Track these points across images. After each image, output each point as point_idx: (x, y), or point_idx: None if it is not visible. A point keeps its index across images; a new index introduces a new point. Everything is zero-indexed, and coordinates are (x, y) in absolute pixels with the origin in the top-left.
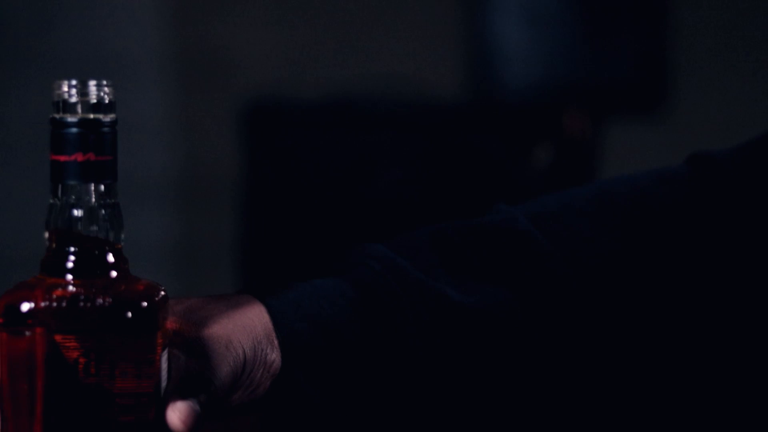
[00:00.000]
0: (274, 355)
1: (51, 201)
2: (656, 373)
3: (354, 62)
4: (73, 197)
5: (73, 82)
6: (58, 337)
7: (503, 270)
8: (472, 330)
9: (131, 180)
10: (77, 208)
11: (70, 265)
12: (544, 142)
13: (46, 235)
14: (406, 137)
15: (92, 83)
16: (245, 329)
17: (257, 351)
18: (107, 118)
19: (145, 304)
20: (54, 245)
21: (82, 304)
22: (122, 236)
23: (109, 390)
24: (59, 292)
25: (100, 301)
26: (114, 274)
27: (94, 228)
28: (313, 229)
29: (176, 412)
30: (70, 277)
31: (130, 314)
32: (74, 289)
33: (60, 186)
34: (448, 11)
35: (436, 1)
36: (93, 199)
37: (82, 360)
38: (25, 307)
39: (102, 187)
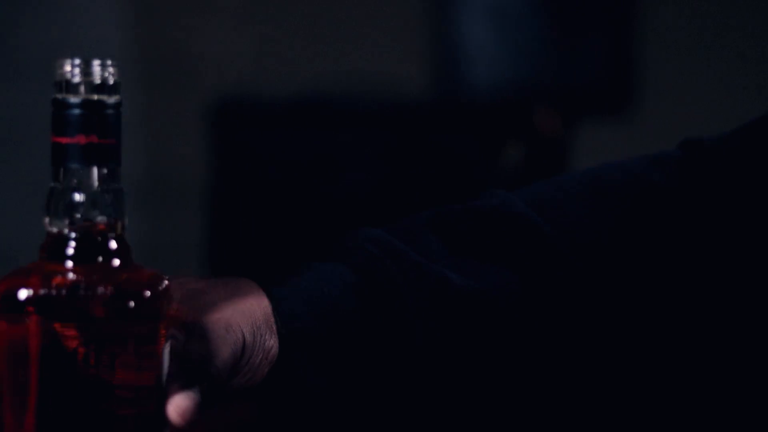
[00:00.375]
0: (273, 341)
1: (52, 185)
2: (657, 356)
3: (321, 60)
4: (75, 181)
5: (77, 62)
6: (56, 326)
7: (505, 251)
8: (474, 313)
9: None
10: (79, 193)
11: (70, 251)
12: (515, 141)
13: (46, 219)
14: (374, 135)
15: (96, 63)
16: (245, 314)
17: (256, 336)
18: (111, 99)
19: (148, 293)
20: (54, 230)
21: (82, 292)
22: (125, 222)
23: (109, 381)
24: (59, 279)
25: (101, 289)
26: (116, 261)
27: (96, 213)
28: (280, 228)
29: (176, 406)
30: (70, 263)
31: (132, 304)
32: (74, 276)
33: (61, 169)
34: (417, 10)
35: (404, 0)
36: (95, 184)
37: (81, 350)
38: (23, 294)
39: (105, 171)
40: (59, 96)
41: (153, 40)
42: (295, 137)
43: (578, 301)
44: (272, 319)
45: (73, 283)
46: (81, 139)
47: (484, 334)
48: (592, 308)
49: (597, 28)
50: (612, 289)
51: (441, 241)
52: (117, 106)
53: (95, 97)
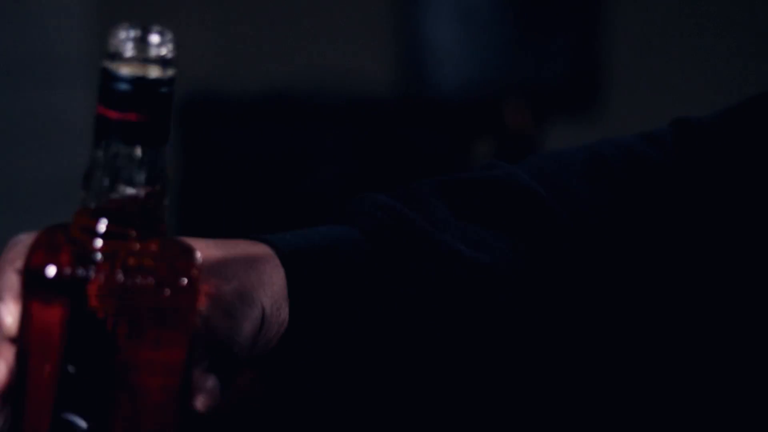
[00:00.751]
0: (286, 311)
1: (92, 155)
2: (661, 332)
3: (288, 57)
4: (116, 157)
5: (131, 33)
6: (84, 308)
7: (512, 222)
8: (483, 288)
9: (59, 180)
10: (120, 169)
11: (104, 227)
12: (485, 136)
13: (83, 192)
14: (343, 132)
15: (153, 35)
16: (265, 286)
17: (274, 308)
18: (165, 75)
19: (185, 281)
20: (89, 203)
21: (116, 275)
22: (166, 202)
23: (140, 356)
24: (89, 256)
25: (134, 265)
26: (151, 237)
27: (135, 190)
28: (248, 225)
29: (201, 394)
30: (101, 240)
31: (169, 279)
32: (106, 255)
33: (103, 143)
34: (385, 7)
35: None
36: (138, 162)
37: (109, 334)
38: (51, 272)
39: (150, 150)
40: (110, 66)
41: None
42: (262, 134)
43: (582, 274)
44: (286, 289)
45: (104, 262)
46: (128, 116)
47: (490, 308)
48: (596, 281)
49: (562, 28)
50: (613, 262)
51: (451, 208)
52: (171, 82)
53: (149, 72)
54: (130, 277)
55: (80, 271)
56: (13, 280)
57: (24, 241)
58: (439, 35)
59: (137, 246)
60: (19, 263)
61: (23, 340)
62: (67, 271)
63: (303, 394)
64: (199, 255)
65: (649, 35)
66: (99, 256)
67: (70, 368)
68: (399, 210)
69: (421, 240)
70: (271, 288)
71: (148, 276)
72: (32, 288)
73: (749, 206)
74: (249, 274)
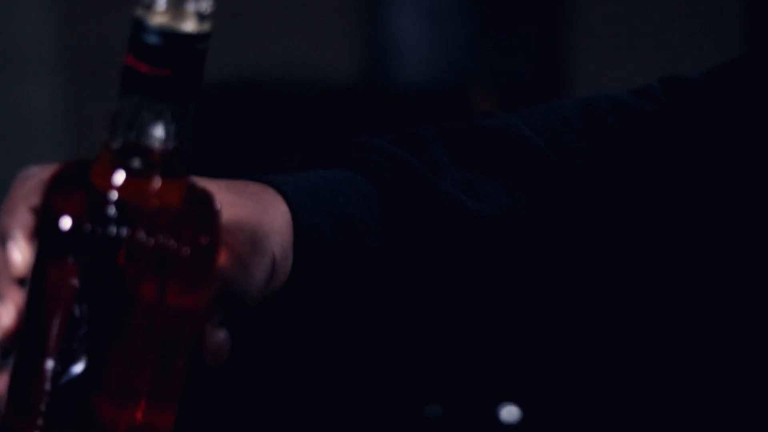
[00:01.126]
0: (291, 260)
1: (119, 103)
2: (658, 283)
3: (254, 47)
4: (142, 110)
5: None
6: (100, 262)
7: (512, 171)
8: (485, 238)
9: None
10: (144, 122)
11: (122, 177)
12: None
13: (107, 134)
14: (308, 121)
15: None
16: (275, 233)
17: (282, 258)
18: (201, 29)
19: (207, 239)
20: (113, 148)
21: (136, 233)
22: (190, 154)
23: (150, 320)
24: (108, 209)
25: (155, 231)
26: (173, 191)
27: (159, 143)
28: None
29: (213, 348)
30: (121, 192)
31: (188, 250)
32: (126, 209)
33: (130, 94)
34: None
35: None
36: (165, 117)
37: (124, 292)
38: (67, 224)
39: (176, 106)
40: (142, 16)
41: (82, 35)
42: (228, 123)
43: (580, 225)
44: (292, 236)
45: (125, 214)
46: (158, 71)
47: (489, 259)
48: (594, 233)
49: (527, 18)
50: (610, 213)
51: (453, 156)
52: (206, 37)
53: (184, 26)
54: (150, 235)
55: (98, 228)
56: (26, 219)
57: (37, 175)
58: (404, 27)
59: (158, 199)
60: (33, 200)
61: (34, 284)
62: (87, 227)
63: (301, 337)
64: (219, 206)
65: (611, 26)
66: (119, 210)
67: (78, 312)
68: (401, 156)
69: (423, 188)
70: (281, 236)
71: (168, 234)
72: (47, 237)
73: (743, 157)
74: (261, 222)
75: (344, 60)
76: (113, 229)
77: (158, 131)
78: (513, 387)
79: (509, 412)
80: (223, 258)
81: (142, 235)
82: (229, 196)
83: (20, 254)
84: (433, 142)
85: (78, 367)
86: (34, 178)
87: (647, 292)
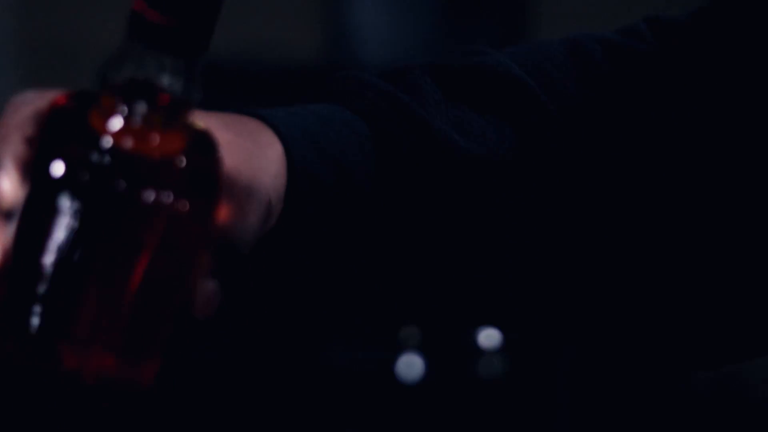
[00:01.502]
0: (282, 203)
1: (121, 49)
2: (653, 217)
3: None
4: (148, 58)
5: None
6: (94, 210)
7: (505, 110)
8: (476, 178)
9: None
10: (150, 73)
11: (119, 126)
12: None
13: (104, 72)
14: (272, 102)
15: None
16: (270, 176)
17: (276, 201)
18: None
19: (206, 193)
20: (113, 95)
21: (134, 186)
22: (193, 98)
23: (149, 276)
24: (106, 157)
25: (152, 184)
26: (174, 138)
27: (161, 88)
28: None
29: (202, 299)
30: (113, 141)
31: (186, 204)
32: (125, 157)
33: (136, 41)
34: None
35: None
36: (171, 69)
37: (118, 243)
38: (60, 170)
39: (182, 60)
40: None
41: (41, 29)
42: None
43: (570, 164)
44: (286, 177)
45: (124, 163)
46: (163, 20)
47: (480, 199)
48: (585, 172)
49: (490, 8)
50: (600, 152)
51: (444, 92)
52: None
53: None
54: (149, 187)
55: (94, 177)
56: (19, 149)
57: (33, 102)
58: (367, 9)
59: (159, 150)
60: (27, 130)
61: (23, 222)
62: (83, 176)
63: (292, 282)
64: (220, 153)
65: (574, 13)
66: (117, 159)
67: (69, 258)
68: (392, 92)
69: (415, 125)
70: (276, 179)
71: (168, 187)
72: (39, 180)
73: (734, 95)
74: (259, 163)
75: (308, 42)
76: (109, 179)
77: (163, 81)
78: (496, 315)
79: (488, 336)
80: (221, 207)
81: (140, 186)
82: (227, 134)
83: (10, 185)
84: (423, 77)
85: (64, 311)
86: (30, 107)
87: (639, 231)
